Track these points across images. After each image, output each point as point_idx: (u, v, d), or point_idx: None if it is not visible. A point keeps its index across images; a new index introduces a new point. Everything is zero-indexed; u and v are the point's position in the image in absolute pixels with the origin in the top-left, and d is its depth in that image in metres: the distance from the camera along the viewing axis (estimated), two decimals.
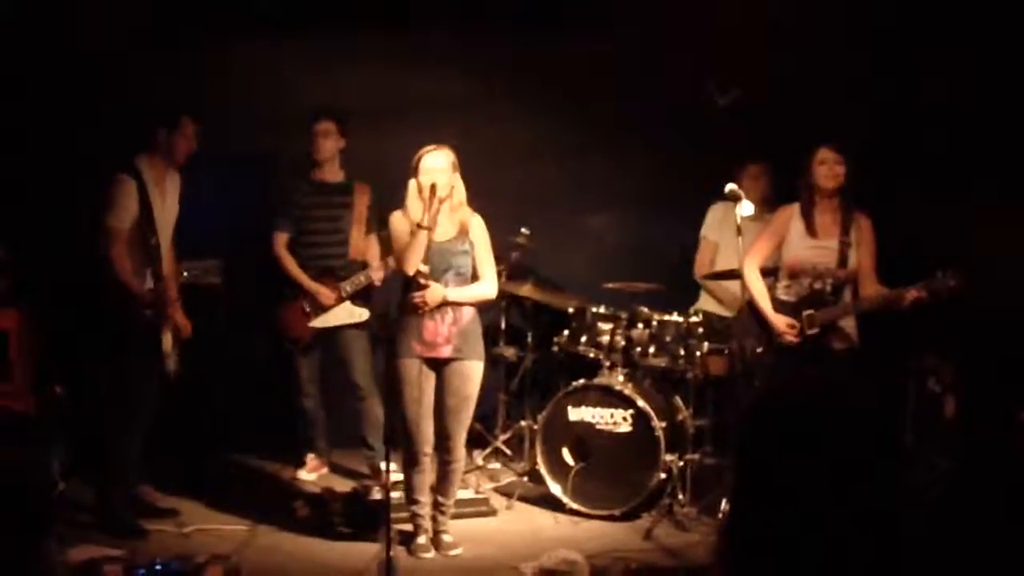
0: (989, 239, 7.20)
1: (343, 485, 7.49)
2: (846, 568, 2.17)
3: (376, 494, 6.84)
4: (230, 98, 8.18)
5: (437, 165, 6.18)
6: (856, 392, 2.27)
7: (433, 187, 6.10)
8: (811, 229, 6.66)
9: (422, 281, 6.18)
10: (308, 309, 7.62)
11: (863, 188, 6.71)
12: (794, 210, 6.76)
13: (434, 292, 6.20)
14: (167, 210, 6.84)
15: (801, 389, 2.32)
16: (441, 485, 6.52)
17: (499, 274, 7.30)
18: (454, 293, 6.29)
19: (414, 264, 6.13)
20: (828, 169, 6.58)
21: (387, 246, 6.59)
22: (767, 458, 2.26)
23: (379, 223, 6.37)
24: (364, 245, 7.72)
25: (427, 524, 6.52)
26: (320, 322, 7.63)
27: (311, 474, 7.88)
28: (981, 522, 6.20)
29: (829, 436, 2.21)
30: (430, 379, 6.32)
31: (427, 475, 6.45)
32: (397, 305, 6.39)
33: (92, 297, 6.64)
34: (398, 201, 6.36)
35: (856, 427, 2.23)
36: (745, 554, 2.26)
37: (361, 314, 7.66)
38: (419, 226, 6.12)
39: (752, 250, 6.80)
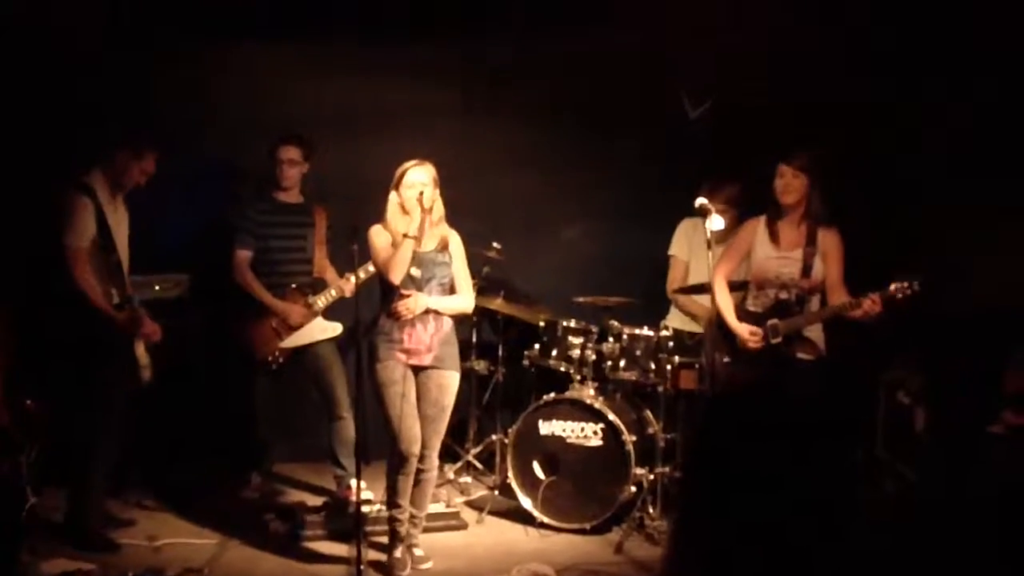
0: (964, 247, 7.26)
1: (312, 500, 7.52)
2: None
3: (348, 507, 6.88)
4: (201, 108, 8.16)
5: (421, 179, 6.28)
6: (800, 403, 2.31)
7: (421, 196, 6.21)
8: (775, 240, 6.75)
9: (403, 291, 6.25)
10: (277, 328, 7.49)
11: (838, 199, 6.79)
12: (759, 222, 6.85)
13: (417, 300, 6.28)
14: (121, 226, 6.81)
15: (748, 398, 2.37)
16: (414, 496, 6.49)
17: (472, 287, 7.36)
18: (436, 302, 6.35)
19: (400, 274, 6.22)
20: (784, 184, 6.69)
21: (343, 264, 6.54)
22: (714, 462, 2.30)
23: (347, 236, 6.28)
24: (325, 265, 7.70)
25: (405, 532, 6.48)
26: (294, 340, 7.51)
27: (255, 492, 7.75)
28: (950, 534, 6.26)
29: (771, 447, 2.25)
30: (412, 380, 6.36)
31: (411, 478, 6.41)
32: (376, 313, 6.43)
33: (62, 310, 6.63)
34: (373, 210, 6.40)
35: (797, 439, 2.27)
36: (691, 561, 2.30)
37: (335, 328, 7.57)
38: (405, 236, 6.21)
39: (719, 263, 6.86)
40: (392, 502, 6.46)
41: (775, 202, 6.77)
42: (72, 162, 6.85)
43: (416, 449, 6.34)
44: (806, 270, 6.67)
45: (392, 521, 6.49)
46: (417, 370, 6.38)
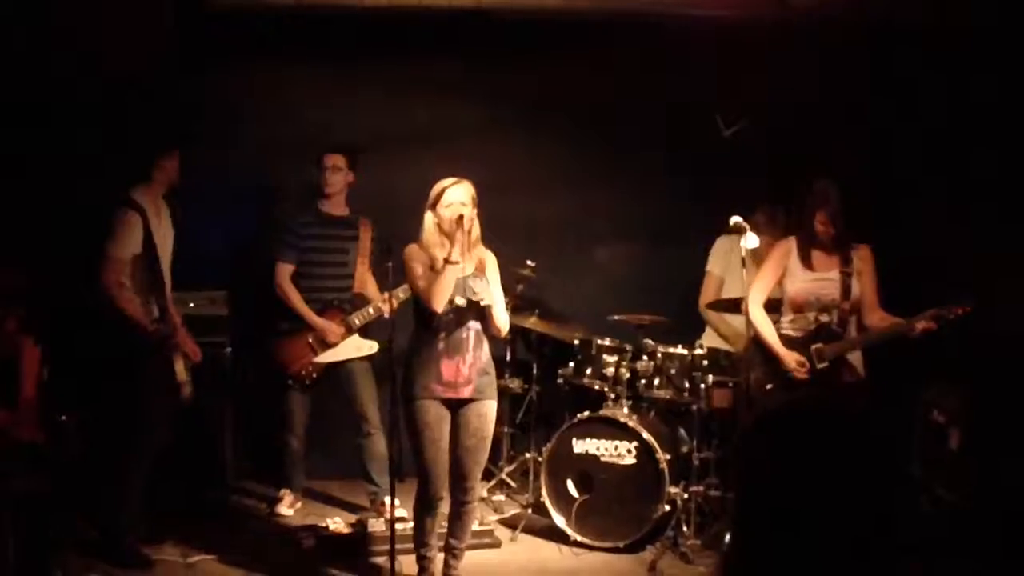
0: (996, 268, 7.21)
1: (347, 517, 7.51)
2: None
3: (378, 524, 6.87)
4: (234, 126, 8.25)
5: (460, 198, 6.00)
6: (853, 413, 2.30)
7: (460, 219, 5.93)
8: (809, 262, 6.62)
9: (468, 303, 6.03)
10: (313, 344, 7.55)
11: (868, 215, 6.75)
12: (791, 243, 6.72)
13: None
14: (164, 239, 6.88)
15: (798, 409, 2.36)
16: (454, 527, 6.29)
17: (505, 306, 7.33)
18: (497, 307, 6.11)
19: (443, 301, 5.90)
20: (824, 228, 6.55)
21: (385, 279, 6.41)
22: (766, 477, 2.28)
23: (381, 255, 6.26)
24: (367, 279, 7.72)
25: (433, 568, 6.31)
26: (328, 357, 7.56)
27: (289, 509, 7.78)
28: (985, 554, 6.21)
29: (826, 453, 2.24)
30: (447, 419, 6.09)
31: (438, 519, 6.25)
32: (412, 342, 6.14)
33: (100, 324, 6.66)
34: (405, 231, 6.21)
35: (851, 445, 2.26)
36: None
37: (370, 347, 7.60)
38: (447, 261, 5.89)
39: (754, 286, 6.74)
40: (421, 541, 6.24)
41: (807, 225, 6.66)
42: (119, 180, 6.91)
43: (444, 493, 6.16)
44: (846, 291, 6.56)
45: (420, 559, 6.29)
46: (454, 403, 6.11)
